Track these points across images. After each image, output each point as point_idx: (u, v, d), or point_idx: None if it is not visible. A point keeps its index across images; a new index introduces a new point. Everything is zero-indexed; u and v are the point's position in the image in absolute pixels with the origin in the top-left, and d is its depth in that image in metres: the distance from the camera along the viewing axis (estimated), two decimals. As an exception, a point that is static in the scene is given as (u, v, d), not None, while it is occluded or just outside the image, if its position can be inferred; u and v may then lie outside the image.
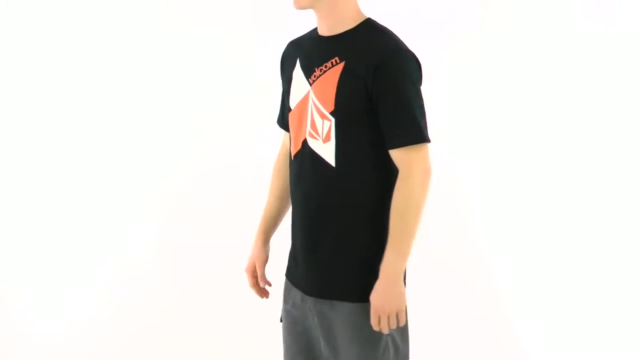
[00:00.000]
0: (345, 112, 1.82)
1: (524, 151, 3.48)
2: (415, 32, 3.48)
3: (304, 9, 1.91)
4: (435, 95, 3.40)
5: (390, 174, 1.84)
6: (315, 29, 1.98)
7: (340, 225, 1.86)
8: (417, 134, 1.80)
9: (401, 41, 1.87)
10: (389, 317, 1.82)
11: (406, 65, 1.83)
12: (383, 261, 1.81)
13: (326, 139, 1.85)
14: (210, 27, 3.34)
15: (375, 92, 1.80)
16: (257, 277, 2.12)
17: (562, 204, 3.47)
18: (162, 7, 3.42)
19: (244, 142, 3.30)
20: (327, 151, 1.86)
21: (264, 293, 2.14)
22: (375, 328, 1.83)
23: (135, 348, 3.37)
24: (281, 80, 2.03)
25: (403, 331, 1.90)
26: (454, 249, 3.47)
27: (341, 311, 1.86)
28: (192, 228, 3.36)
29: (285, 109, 2.02)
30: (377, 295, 1.81)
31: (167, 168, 3.42)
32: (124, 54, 3.44)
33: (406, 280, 1.90)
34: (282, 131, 2.12)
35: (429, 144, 1.84)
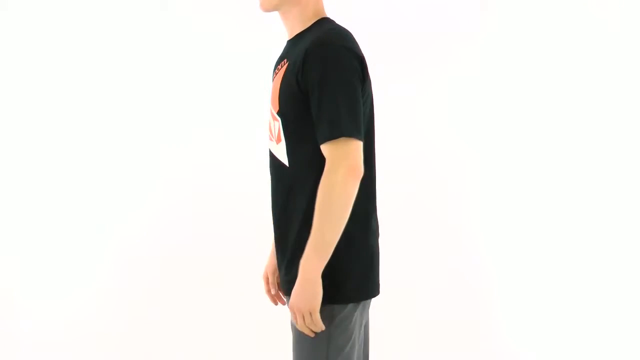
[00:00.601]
0: (287, 112, 1.80)
1: (523, 151, 3.48)
2: (414, 32, 3.49)
3: (269, 11, 1.92)
4: (434, 95, 3.41)
5: None
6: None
7: (301, 225, 1.82)
8: (338, 129, 1.72)
9: (341, 36, 1.81)
10: (304, 317, 1.76)
11: (333, 58, 1.75)
12: (302, 257, 1.75)
13: (278, 140, 1.84)
14: (214, 26, 3.34)
15: (305, 87, 1.76)
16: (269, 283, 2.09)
17: (561, 205, 3.47)
18: (160, 7, 3.43)
19: (245, 142, 3.31)
20: (280, 152, 1.84)
21: (276, 299, 2.09)
22: (298, 327, 1.80)
23: (135, 346, 3.38)
24: None
25: (338, 325, 1.84)
26: (453, 249, 3.48)
27: None
28: (195, 227, 3.36)
29: None
30: (294, 293, 1.76)
31: (168, 167, 3.42)
32: (125, 54, 3.45)
33: (365, 284, 1.87)
34: None
35: (360, 141, 1.75)
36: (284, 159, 1.83)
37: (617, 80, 3.46)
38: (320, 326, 1.76)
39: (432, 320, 3.49)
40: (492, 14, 3.44)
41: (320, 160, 1.75)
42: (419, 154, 3.47)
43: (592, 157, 3.49)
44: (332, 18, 1.91)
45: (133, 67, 3.47)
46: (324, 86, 1.74)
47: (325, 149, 1.74)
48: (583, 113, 3.48)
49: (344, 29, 1.87)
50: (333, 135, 1.72)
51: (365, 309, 1.92)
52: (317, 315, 1.75)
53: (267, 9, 1.90)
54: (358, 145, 1.75)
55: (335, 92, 1.74)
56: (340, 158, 1.72)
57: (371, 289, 1.88)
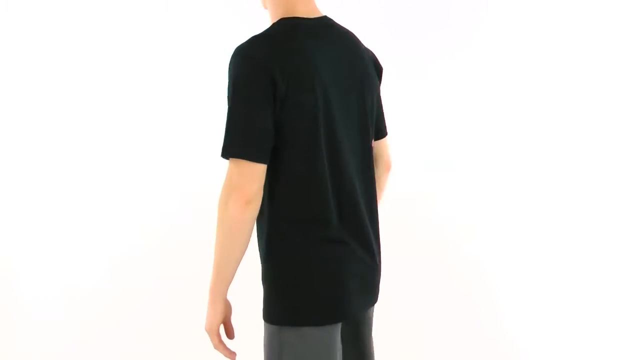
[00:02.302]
0: None
1: (521, 151, 3.48)
2: (413, 33, 3.49)
3: (266, 8, 1.94)
4: (433, 95, 3.40)
5: (274, 184, 1.70)
6: None
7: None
8: (225, 149, 1.61)
9: (251, 43, 1.64)
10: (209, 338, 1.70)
11: (232, 70, 1.65)
12: None
13: None
14: (215, 26, 3.34)
15: None
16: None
17: (559, 205, 3.46)
18: (162, 7, 3.43)
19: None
20: None
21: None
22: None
23: (132, 346, 3.38)
24: None
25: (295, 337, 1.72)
26: (451, 249, 3.47)
27: None
28: (195, 228, 3.36)
29: None
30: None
31: (168, 167, 3.42)
32: (128, 54, 3.44)
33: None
34: None
35: (251, 162, 1.61)
36: None
37: (617, 80, 3.45)
38: (219, 349, 1.68)
39: (432, 321, 3.50)
40: (492, 13, 3.44)
41: (267, 178, 1.69)
42: (417, 154, 3.47)
43: (590, 157, 3.48)
44: (304, 17, 1.73)
45: (133, 67, 3.47)
46: (228, 100, 1.67)
47: None
48: (582, 113, 3.48)
49: (274, 32, 1.69)
50: (223, 155, 1.63)
51: (338, 332, 1.76)
52: (213, 337, 1.68)
53: (263, 6, 1.93)
54: (244, 166, 1.62)
55: (231, 108, 1.64)
56: (226, 179, 1.60)
57: (338, 310, 1.71)
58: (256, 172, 1.62)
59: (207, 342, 2.99)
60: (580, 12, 3.40)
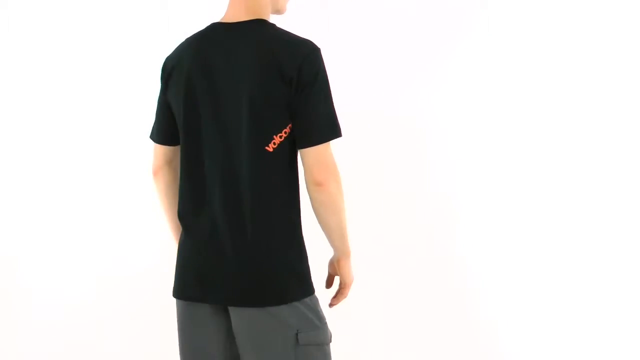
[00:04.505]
0: None
1: (522, 152, 3.48)
2: (412, 33, 3.49)
3: None
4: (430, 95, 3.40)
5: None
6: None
7: None
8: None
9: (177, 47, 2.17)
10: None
11: None
12: None
13: None
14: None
15: None
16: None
17: (557, 205, 3.47)
18: (160, 6, 3.42)
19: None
20: None
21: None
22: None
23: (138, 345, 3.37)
24: None
25: None
26: (448, 249, 3.47)
27: None
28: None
29: None
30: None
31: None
32: (125, 54, 3.44)
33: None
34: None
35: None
36: None
37: (616, 80, 3.46)
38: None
39: (431, 321, 3.49)
40: (492, 12, 3.44)
41: None
42: (417, 154, 3.47)
43: (590, 157, 3.49)
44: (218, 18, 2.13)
45: (132, 68, 3.46)
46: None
47: None
48: (582, 113, 3.48)
49: (198, 32, 2.11)
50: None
51: (191, 310, 2.11)
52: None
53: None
54: (152, 146, 2.23)
55: None
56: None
57: (175, 288, 2.12)
58: (154, 150, 2.26)
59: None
60: (581, 12, 3.41)
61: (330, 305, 2.17)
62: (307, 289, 2.02)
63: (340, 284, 2.15)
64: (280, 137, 1.93)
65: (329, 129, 1.93)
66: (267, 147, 1.92)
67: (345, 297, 2.15)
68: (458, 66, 3.38)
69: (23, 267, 3.50)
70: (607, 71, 3.38)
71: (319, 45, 1.97)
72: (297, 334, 1.93)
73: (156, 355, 3.46)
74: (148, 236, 3.42)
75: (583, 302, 3.50)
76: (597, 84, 3.39)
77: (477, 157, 3.42)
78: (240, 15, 2.00)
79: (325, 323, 2.06)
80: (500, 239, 3.47)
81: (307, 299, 2.02)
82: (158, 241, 3.39)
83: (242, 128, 1.93)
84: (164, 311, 3.41)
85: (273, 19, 2.12)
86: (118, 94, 3.43)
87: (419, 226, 3.36)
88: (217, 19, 3.40)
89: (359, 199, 3.44)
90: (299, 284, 1.99)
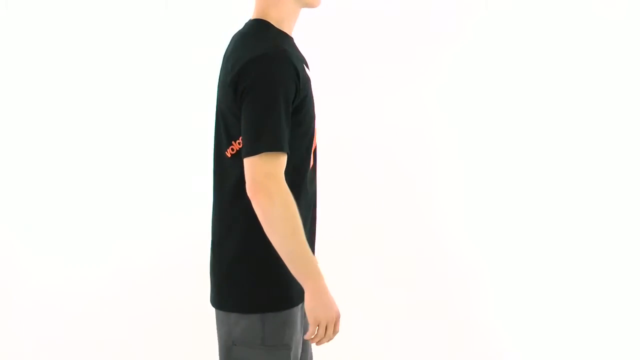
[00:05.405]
0: None
1: (522, 152, 3.47)
2: (411, 33, 3.48)
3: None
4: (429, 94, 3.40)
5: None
6: (289, 39, 1.96)
7: None
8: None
9: None
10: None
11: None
12: None
13: None
14: (216, 26, 3.35)
15: None
16: None
17: (554, 205, 3.47)
18: (161, 6, 3.42)
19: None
20: None
21: None
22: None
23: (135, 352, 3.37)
24: (302, 98, 1.89)
25: None
26: (446, 249, 3.47)
27: None
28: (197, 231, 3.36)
29: (312, 128, 1.98)
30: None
31: (167, 168, 3.41)
32: (125, 54, 3.44)
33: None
34: None
35: None
36: None
37: (617, 80, 3.45)
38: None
39: (431, 321, 3.49)
40: (492, 13, 3.44)
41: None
42: (417, 154, 3.47)
43: (588, 157, 3.48)
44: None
45: (133, 67, 3.46)
46: None
47: None
48: (581, 113, 3.48)
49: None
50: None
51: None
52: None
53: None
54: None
55: None
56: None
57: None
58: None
59: (209, 345, 2.98)
60: (581, 11, 3.41)
61: (317, 343, 1.84)
62: (270, 303, 1.83)
63: (311, 323, 1.78)
64: (239, 143, 1.83)
65: (254, 143, 1.74)
66: (226, 152, 1.89)
67: (328, 338, 1.81)
68: (458, 66, 3.37)
69: (23, 267, 3.50)
70: (607, 71, 3.38)
71: (282, 52, 1.80)
72: (232, 345, 1.83)
73: (156, 356, 3.46)
74: (148, 236, 3.42)
75: (582, 302, 3.50)
76: (597, 84, 3.38)
77: (476, 157, 3.41)
78: (252, 13, 1.96)
79: (275, 347, 1.82)
80: (500, 239, 3.46)
81: (270, 314, 1.83)
82: (159, 241, 3.38)
83: (220, 135, 1.96)
84: (164, 311, 3.40)
85: (306, 13, 2.08)
86: (118, 94, 3.42)
87: (419, 226, 3.36)
88: (218, 19, 3.41)
89: (357, 199, 3.44)
90: (258, 295, 1.83)
